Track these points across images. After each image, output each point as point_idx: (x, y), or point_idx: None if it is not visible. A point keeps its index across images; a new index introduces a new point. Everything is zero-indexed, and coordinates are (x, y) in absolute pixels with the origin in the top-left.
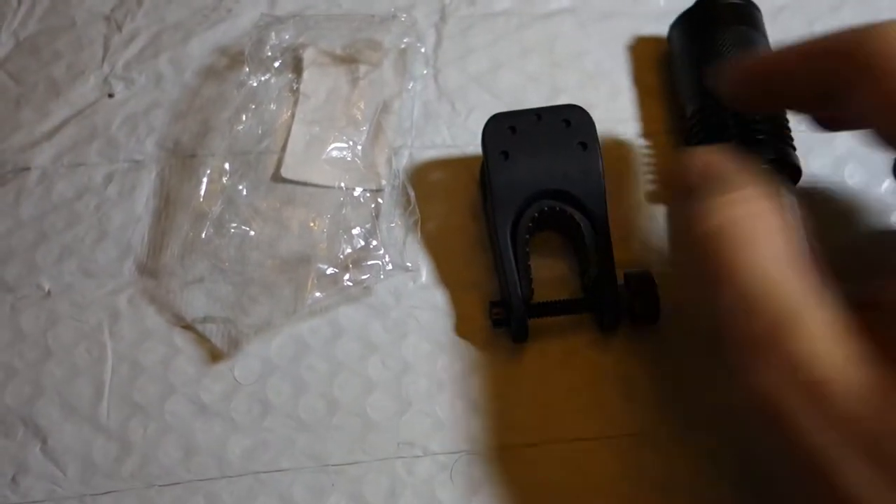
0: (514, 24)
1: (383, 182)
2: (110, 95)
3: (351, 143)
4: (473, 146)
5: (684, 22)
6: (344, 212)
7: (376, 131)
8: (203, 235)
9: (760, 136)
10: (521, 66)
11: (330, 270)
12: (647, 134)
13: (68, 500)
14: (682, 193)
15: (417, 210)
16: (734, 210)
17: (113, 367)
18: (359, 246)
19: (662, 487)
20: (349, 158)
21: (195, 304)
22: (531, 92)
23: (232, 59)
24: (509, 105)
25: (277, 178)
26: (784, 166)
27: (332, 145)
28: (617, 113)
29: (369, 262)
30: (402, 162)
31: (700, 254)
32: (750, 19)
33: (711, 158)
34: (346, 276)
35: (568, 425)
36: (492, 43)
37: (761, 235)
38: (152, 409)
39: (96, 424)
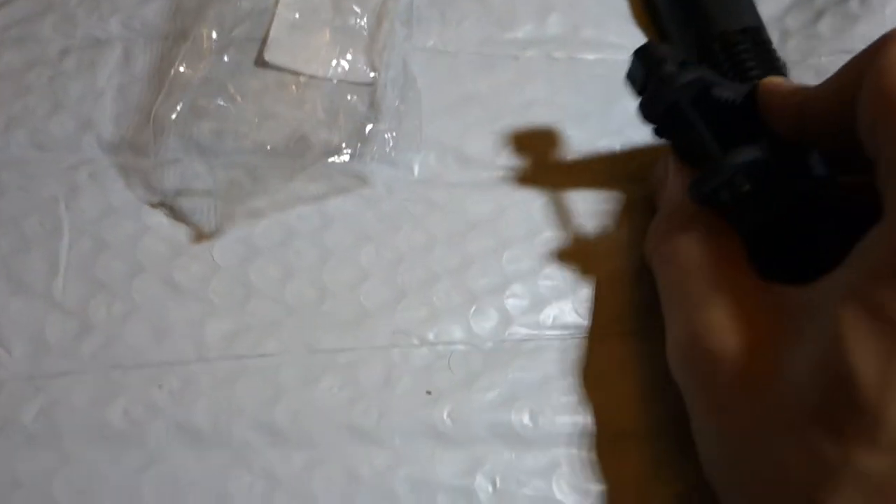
0: None
1: (372, 75)
2: None
3: (348, 29)
4: (465, 53)
5: None
6: (334, 99)
7: (378, 19)
8: (179, 110)
9: (753, 73)
10: None
11: (320, 147)
12: None
13: (14, 381)
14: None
15: (412, 106)
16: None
17: (70, 242)
18: (347, 130)
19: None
20: (342, 48)
21: (170, 182)
22: (520, 3)
23: None
24: (500, 18)
25: (261, 62)
26: None
27: (321, 32)
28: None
29: (358, 147)
30: (395, 59)
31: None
32: None
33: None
34: (334, 160)
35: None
36: None
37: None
38: (117, 288)
39: (50, 301)
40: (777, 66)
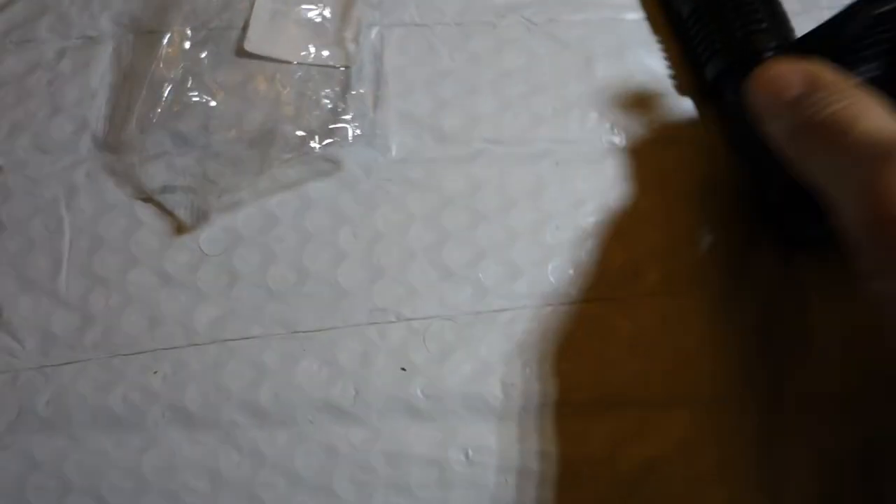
0: None
1: (351, 58)
2: None
3: (318, 17)
4: (441, 25)
5: None
6: (311, 85)
7: (345, 6)
8: (162, 105)
9: (763, 25)
10: None
11: (297, 133)
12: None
13: (27, 371)
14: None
15: (388, 85)
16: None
17: (71, 240)
18: (325, 115)
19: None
20: (316, 34)
21: (157, 177)
22: None
23: None
24: None
25: (241, 53)
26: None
27: (298, 20)
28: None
29: (337, 126)
30: (372, 38)
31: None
32: None
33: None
34: (313, 143)
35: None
36: None
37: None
38: (114, 281)
39: (55, 296)
40: None
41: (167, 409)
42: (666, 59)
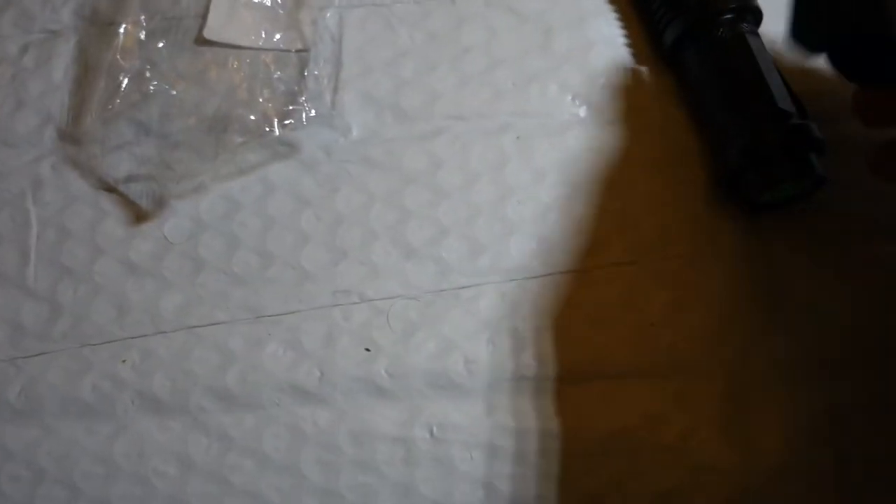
0: None
1: (308, 41)
2: None
3: (271, 1)
4: (400, 4)
5: None
6: (264, 69)
7: None
8: (121, 96)
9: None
10: None
11: (251, 117)
12: None
13: None
14: None
15: (348, 66)
16: None
17: (38, 233)
18: (280, 93)
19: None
20: (271, 19)
21: (120, 167)
22: None
23: None
24: None
25: (200, 40)
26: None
27: (252, 4)
28: None
29: (293, 109)
30: (328, 20)
31: None
32: None
33: None
34: (270, 127)
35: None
36: None
37: None
38: (81, 272)
39: (23, 288)
40: None
41: (136, 396)
42: (624, 28)
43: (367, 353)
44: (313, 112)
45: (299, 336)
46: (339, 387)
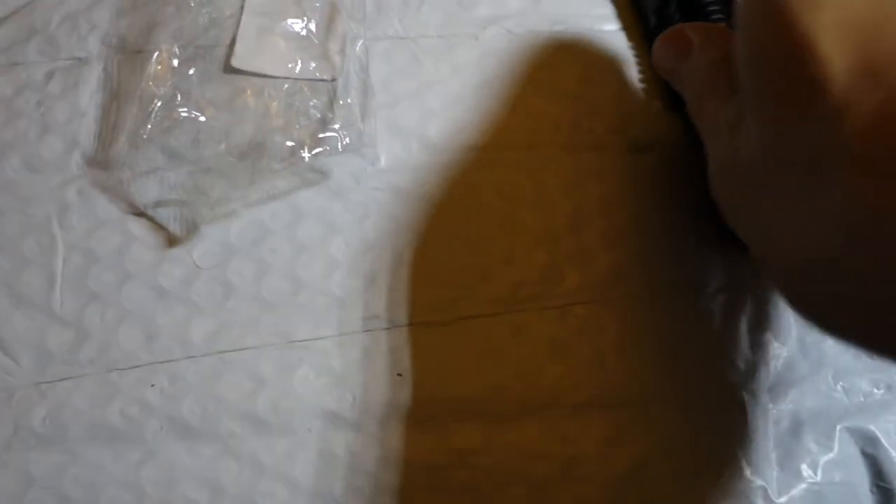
0: None
1: (338, 70)
2: None
3: (303, 30)
4: (425, 38)
5: None
6: (299, 97)
7: (329, 19)
8: (152, 122)
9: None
10: None
11: (287, 144)
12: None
13: (23, 388)
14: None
15: (375, 95)
16: None
17: (64, 258)
18: (313, 127)
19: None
20: (302, 47)
21: (149, 191)
22: None
23: None
24: None
25: (228, 69)
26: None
27: (284, 34)
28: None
29: (326, 136)
30: (357, 50)
31: None
32: None
33: None
34: (303, 153)
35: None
36: None
37: None
38: (109, 296)
39: (49, 313)
40: None
41: (165, 421)
42: (639, 67)
43: (399, 377)
44: (347, 140)
45: (330, 361)
46: (372, 412)
